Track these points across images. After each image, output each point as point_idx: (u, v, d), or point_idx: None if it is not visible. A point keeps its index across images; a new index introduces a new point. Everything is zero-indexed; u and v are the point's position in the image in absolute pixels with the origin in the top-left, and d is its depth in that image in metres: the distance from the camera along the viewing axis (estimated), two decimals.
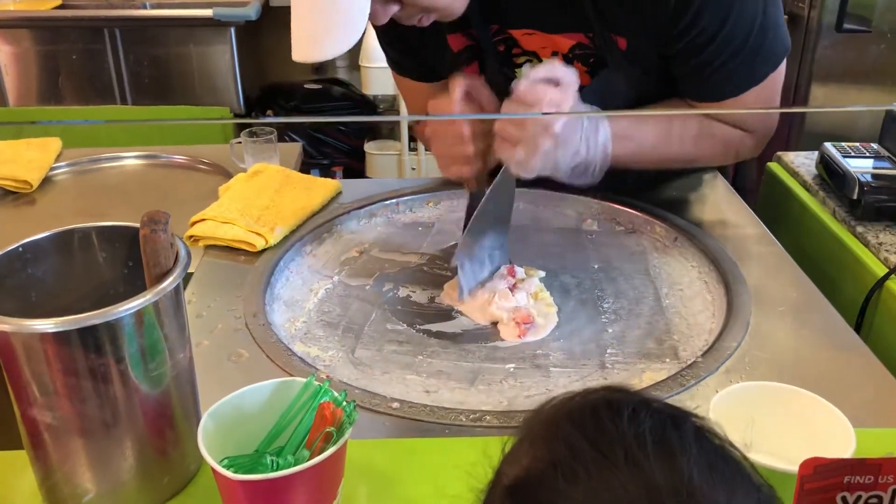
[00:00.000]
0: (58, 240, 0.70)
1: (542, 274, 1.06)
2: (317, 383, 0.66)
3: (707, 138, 1.10)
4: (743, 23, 0.99)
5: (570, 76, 0.97)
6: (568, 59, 1.07)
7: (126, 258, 0.70)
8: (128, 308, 0.60)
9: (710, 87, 1.06)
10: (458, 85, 1.02)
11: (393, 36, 1.17)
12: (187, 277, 1.04)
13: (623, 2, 0.99)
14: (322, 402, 0.63)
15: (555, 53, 1.08)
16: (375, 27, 1.03)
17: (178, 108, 2.62)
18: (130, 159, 1.76)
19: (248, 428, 0.66)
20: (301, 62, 0.88)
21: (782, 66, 1.05)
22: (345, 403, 0.63)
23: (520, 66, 1.13)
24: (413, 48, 1.18)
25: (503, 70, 1.12)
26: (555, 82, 0.96)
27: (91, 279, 0.70)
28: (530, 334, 0.94)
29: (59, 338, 0.58)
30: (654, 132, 1.08)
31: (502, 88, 1.02)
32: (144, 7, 2.78)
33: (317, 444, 0.61)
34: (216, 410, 0.65)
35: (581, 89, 0.99)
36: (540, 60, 1.10)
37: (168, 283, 0.62)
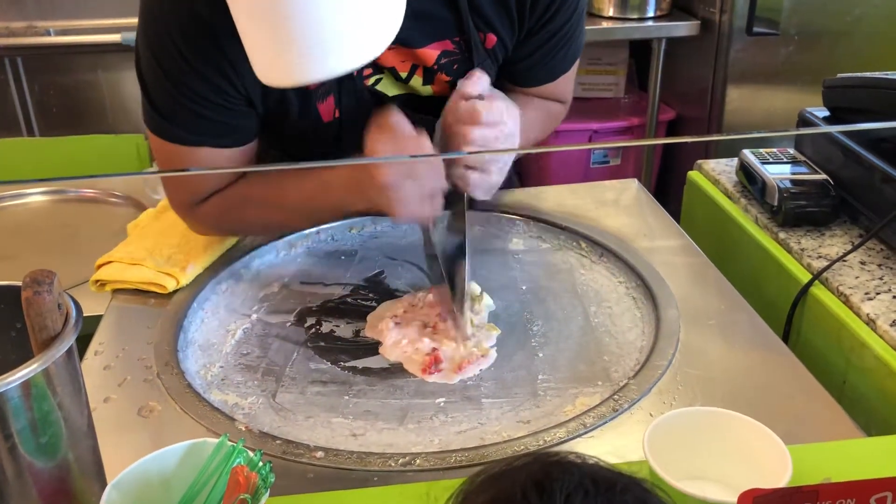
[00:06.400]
0: None
1: (492, 306, 1.03)
2: (230, 443, 0.61)
3: (550, 120, 1.17)
4: None
5: (487, 81, 0.97)
6: (432, 71, 1.03)
7: (13, 319, 0.64)
8: (12, 380, 0.54)
9: (554, 67, 1.10)
10: (401, 117, 0.93)
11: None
12: (94, 325, 0.98)
13: None
14: (235, 465, 0.58)
15: (415, 66, 1.02)
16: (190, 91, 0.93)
17: (88, 138, 2.51)
18: (36, 196, 1.67)
19: (158, 496, 0.61)
20: (317, 81, 0.75)
21: None
22: (260, 465, 0.58)
23: (373, 85, 1.04)
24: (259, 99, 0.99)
25: (363, 93, 1.03)
26: (482, 95, 0.95)
27: None
28: (468, 370, 0.91)
29: None
30: (524, 126, 1.06)
31: (359, 111, 0.99)
32: (48, 34, 2.66)
33: None
34: (121, 480, 0.61)
35: None
36: (396, 76, 1.03)
37: (57, 349, 0.56)
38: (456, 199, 1.00)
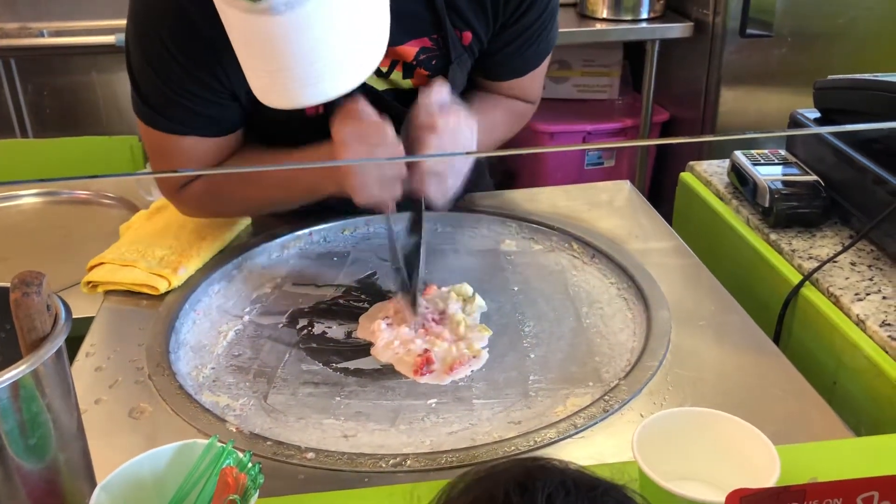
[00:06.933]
0: None
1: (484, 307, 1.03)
2: (220, 445, 0.61)
3: (516, 119, 1.21)
4: None
5: (448, 91, 1.02)
6: (411, 66, 1.06)
7: (2, 321, 0.64)
8: (0, 381, 0.54)
9: (525, 61, 1.13)
10: (366, 104, 0.97)
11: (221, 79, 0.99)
12: (85, 327, 0.98)
13: None
14: (225, 466, 0.58)
15: (395, 62, 1.06)
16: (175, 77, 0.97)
17: (82, 139, 2.51)
18: (28, 197, 1.67)
19: (147, 498, 0.61)
20: (312, 104, 0.79)
21: None
22: (249, 466, 0.58)
23: None
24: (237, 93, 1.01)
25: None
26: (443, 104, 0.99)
27: None
28: (460, 371, 0.91)
29: None
30: (483, 127, 1.08)
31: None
32: (42, 35, 2.65)
33: None
34: (110, 481, 0.60)
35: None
36: (378, 71, 1.05)
37: (46, 350, 0.56)
38: (414, 204, 1.04)
